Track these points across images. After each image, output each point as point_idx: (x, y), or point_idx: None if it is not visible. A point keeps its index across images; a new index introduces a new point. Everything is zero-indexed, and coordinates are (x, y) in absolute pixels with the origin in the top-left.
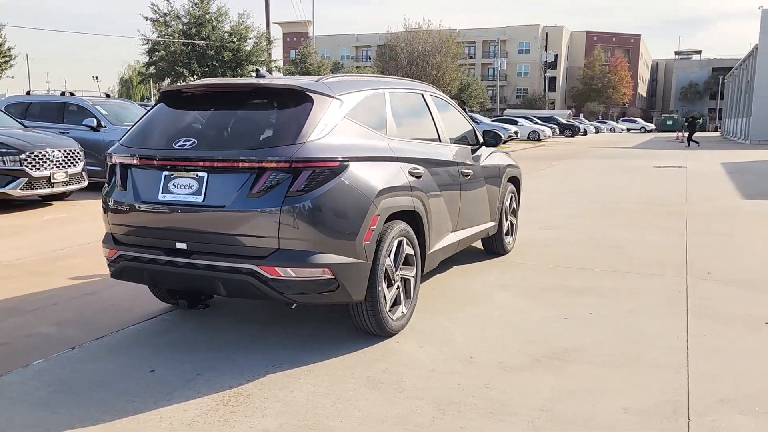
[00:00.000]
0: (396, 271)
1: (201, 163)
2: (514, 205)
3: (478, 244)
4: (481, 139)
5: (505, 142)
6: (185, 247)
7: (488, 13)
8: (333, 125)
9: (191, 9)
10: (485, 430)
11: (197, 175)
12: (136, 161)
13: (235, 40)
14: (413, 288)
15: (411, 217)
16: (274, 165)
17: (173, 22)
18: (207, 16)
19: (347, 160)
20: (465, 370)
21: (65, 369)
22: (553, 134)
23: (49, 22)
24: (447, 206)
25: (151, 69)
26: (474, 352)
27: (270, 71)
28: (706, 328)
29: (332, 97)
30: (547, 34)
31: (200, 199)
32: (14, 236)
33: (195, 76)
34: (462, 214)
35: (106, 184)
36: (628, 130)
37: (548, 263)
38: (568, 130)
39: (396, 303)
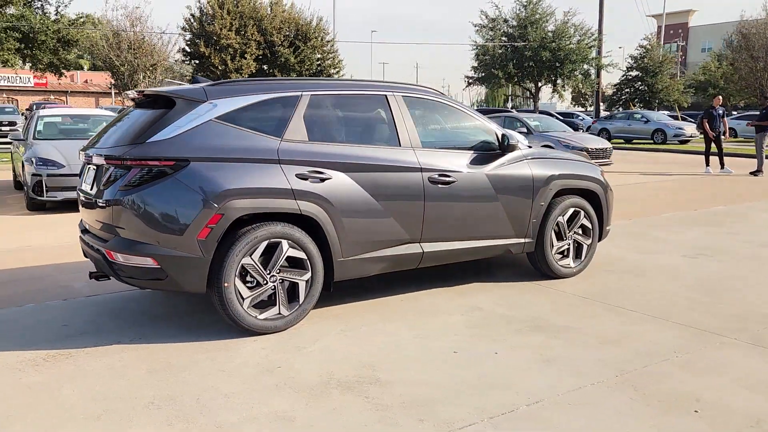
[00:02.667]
0: (269, 271)
1: (93, 160)
2: (584, 222)
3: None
4: (498, 145)
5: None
6: (86, 228)
7: None
8: (190, 127)
9: (519, 11)
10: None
11: (94, 170)
12: (83, 158)
13: (556, 39)
14: (303, 292)
15: (307, 220)
16: (113, 162)
17: (499, 27)
18: (536, 17)
19: (188, 160)
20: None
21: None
22: None
23: (398, 30)
24: (394, 214)
25: (479, 73)
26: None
27: (599, 69)
28: None
29: (200, 101)
30: None
31: (89, 188)
32: None
33: (511, 78)
34: (436, 225)
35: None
36: None
37: (599, 297)
38: None
39: (271, 303)
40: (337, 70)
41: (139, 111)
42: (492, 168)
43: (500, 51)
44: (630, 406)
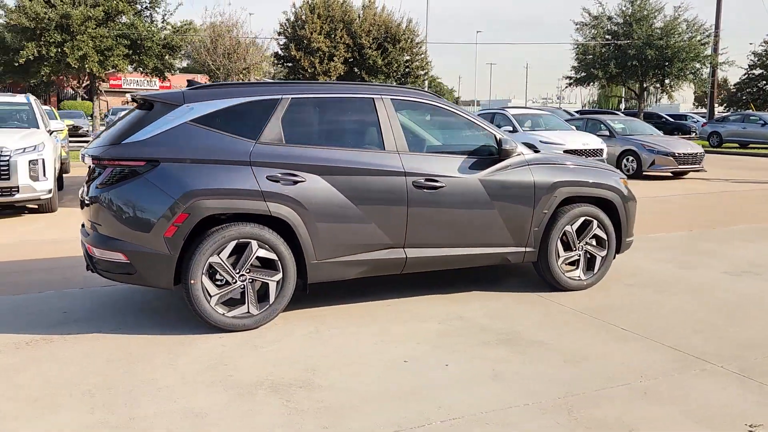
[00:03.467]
0: (238, 270)
1: (84, 160)
2: (597, 233)
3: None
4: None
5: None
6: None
7: None
8: (164, 129)
9: (625, 8)
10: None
11: (89, 170)
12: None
13: (664, 36)
14: (273, 292)
15: (279, 222)
16: (94, 162)
17: (603, 24)
18: (643, 13)
19: (158, 161)
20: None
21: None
22: None
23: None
24: (374, 218)
25: (579, 74)
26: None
27: (714, 68)
28: None
29: (177, 105)
30: None
31: (85, 187)
32: None
33: (612, 78)
34: (422, 230)
35: None
36: None
37: (599, 312)
38: None
39: (241, 302)
40: (425, 71)
41: (133, 113)
42: (487, 173)
43: (602, 50)
44: (550, 431)
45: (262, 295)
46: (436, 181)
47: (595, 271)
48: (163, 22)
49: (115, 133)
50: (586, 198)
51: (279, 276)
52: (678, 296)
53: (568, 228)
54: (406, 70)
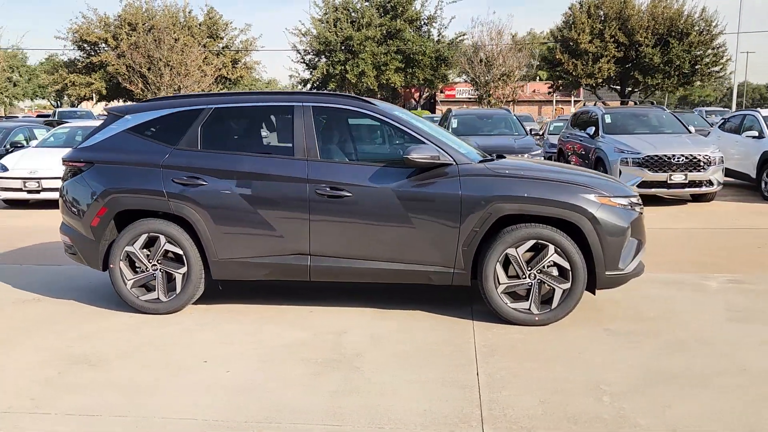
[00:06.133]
0: (151, 260)
1: None
2: (556, 260)
3: None
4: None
5: None
6: None
7: None
8: (106, 136)
9: None
10: None
11: None
12: None
13: None
14: (180, 284)
15: (184, 220)
16: (62, 163)
17: None
18: None
19: (93, 162)
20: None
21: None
22: None
23: None
24: (276, 223)
25: None
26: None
27: None
28: None
29: (121, 116)
30: None
31: None
32: None
33: None
34: (327, 239)
35: None
36: None
37: (501, 351)
38: None
39: (154, 288)
40: (719, 67)
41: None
42: (402, 184)
43: None
44: None
45: (173, 285)
46: (341, 189)
47: (553, 306)
48: (439, 35)
49: (81, 140)
50: (540, 218)
51: (184, 269)
52: (629, 341)
53: (511, 251)
54: (694, 67)
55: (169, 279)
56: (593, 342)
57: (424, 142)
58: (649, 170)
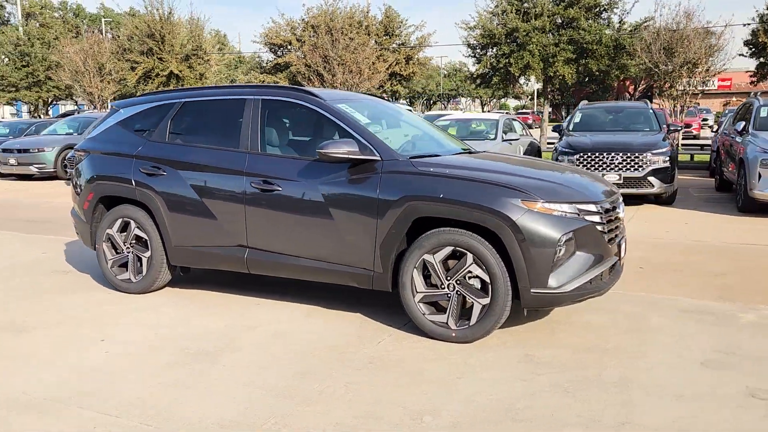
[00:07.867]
0: (124, 243)
1: None
2: (476, 271)
3: None
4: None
5: None
6: None
7: None
8: (103, 128)
9: None
10: None
11: None
12: None
13: None
14: (146, 265)
15: (146, 207)
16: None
17: None
18: None
19: (89, 152)
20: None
21: None
22: None
23: None
24: (218, 214)
25: None
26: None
27: None
28: None
29: (117, 110)
30: None
31: None
32: None
33: None
34: (260, 233)
35: None
36: None
37: (390, 366)
38: None
39: (126, 268)
40: None
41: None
42: (326, 180)
43: None
44: None
45: (142, 267)
46: (272, 183)
47: (472, 322)
48: (620, 23)
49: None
50: (459, 222)
51: (149, 253)
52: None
53: (428, 257)
54: None
55: (141, 262)
56: (492, 367)
57: (351, 137)
58: None
